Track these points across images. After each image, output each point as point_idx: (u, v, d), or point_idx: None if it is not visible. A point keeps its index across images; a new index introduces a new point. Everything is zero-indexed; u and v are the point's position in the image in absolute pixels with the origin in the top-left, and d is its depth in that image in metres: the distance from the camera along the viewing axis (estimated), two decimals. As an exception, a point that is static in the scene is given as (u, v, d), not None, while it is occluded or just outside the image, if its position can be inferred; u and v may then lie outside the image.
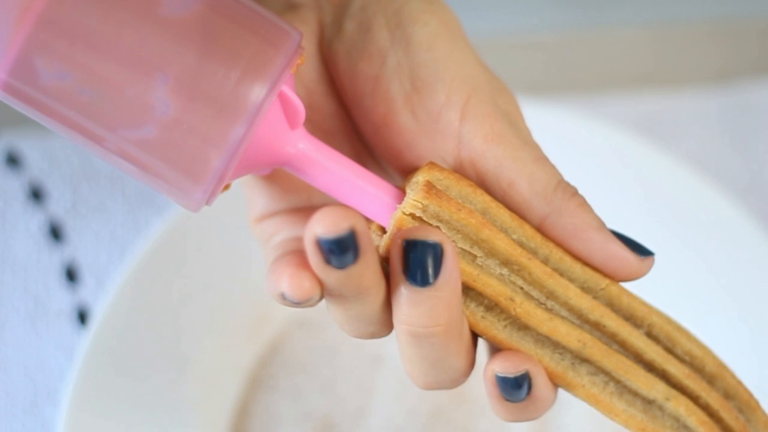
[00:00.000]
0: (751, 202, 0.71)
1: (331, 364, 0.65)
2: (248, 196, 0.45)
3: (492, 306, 0.41)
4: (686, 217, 0.67)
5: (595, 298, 0.42)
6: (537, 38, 0.79)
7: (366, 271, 0.38)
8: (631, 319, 0.42)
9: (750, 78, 0.77)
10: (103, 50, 0.37)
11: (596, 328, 0.42)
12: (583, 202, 0.42)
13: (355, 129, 0.45)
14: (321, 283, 0.39)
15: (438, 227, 0.40)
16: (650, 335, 0.43)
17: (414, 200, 0.40)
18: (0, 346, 0.66)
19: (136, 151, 0.38)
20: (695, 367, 0.43)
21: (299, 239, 0.42)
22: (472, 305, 0.41)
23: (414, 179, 0.41)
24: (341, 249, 0.37)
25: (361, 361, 0.65)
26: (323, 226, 0.37)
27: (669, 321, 0.43)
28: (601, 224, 0.42)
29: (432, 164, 0.41)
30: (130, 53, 0.37)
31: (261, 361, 0.65)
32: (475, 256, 0.40)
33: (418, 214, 0.40)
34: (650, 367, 0.42)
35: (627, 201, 0.67)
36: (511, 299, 0.40)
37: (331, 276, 0.38)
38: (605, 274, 0.42)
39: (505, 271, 0.41)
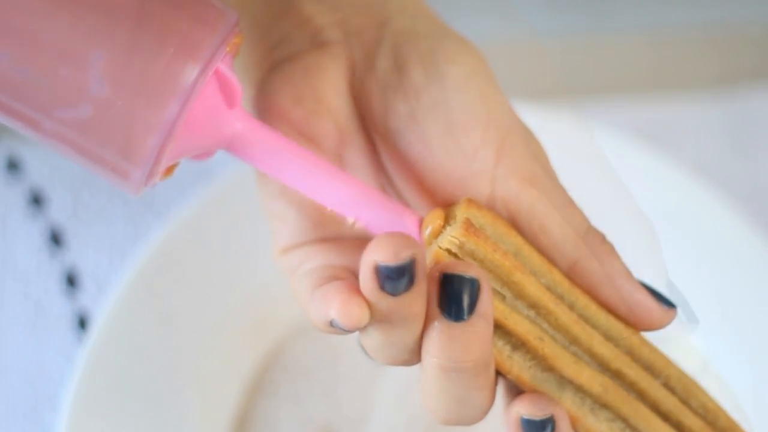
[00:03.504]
0: (753, 209, 0.71)
1: (332, 371, 0.65)
2: (274, 227, 0.44)
3: (519, 345, 0.41)
4: (687, 223, 0.67)
5: (617, 347, 0.43)
6: (538, 44, 0.79)
7: (418, 298, 0.38)
8: (650, 369, 0.43)
9: (751, 85, 0.77)
10: (39, 29, 0.37)
11: (617, 376, 0.42)
12: (612, 250, 0.42)
13: (382, 166, 0.45)
14: (371, 310, 0.38)
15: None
16: (667, 386, 0.43)
17: (452, 237, 0.40)
18: (0, 352, 0.66)
19: (72, 133, 0.38)
20: (708, 420, 0.44)
21: (332, 267, 0.42)
22: (500, 343, 0.41)
23: (452, 214, 0.42)
24: (398, 276, 0.37)
25: (361, 368, 0.65)
26: (384, 253, 0.37)
27: (685, 374, 0.44)
28: (629, 273, 0.42)
29: (470, 201, 0.41)
30: (65, 32, 0.37)
31: (261, 368, 0.65)
32: (504, 297, 0.41)
33: (453, 250, 0.40)
34: (666, 417, 0.43)
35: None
36: (541, 339, 0.41)
37: (382, 302, 0.38)
38: (628, 323, 0.43)
39: (531, 313, 0.41)
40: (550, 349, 0.41)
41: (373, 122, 0.44)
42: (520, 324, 0.40)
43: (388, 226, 0.41)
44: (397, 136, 0.43)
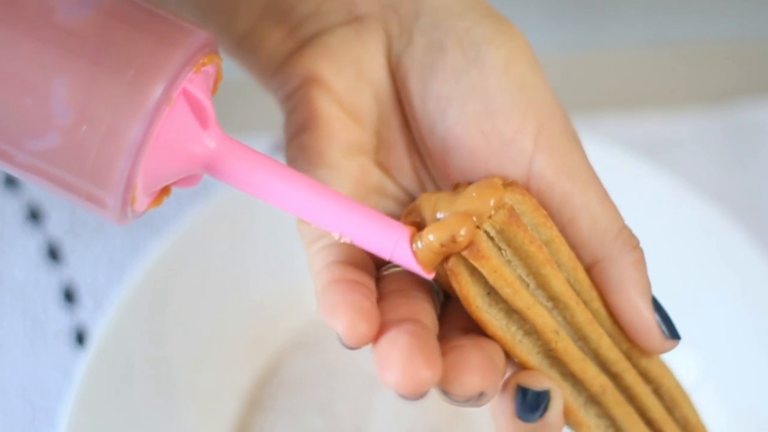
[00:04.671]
0: (751, 223, 0.71)
1: (329, 385, 0.65)
2: None
3: (530, 332, 0.41)
4: (685, 237, 0.67)
5: (620, 350, 0.43)
6: (535, 59, 0.79)
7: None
8: (644, 375, 0.44)
9: (749, 98, 0.77)
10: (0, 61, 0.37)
11: (614, 378, 0.43)
12: (639, 260, 0.42)
13: (416, 147, 0.45)
14: (376, 334, 0.39)
15: (503, 249, 0.40)
16: (657, 392, 0.45)
17: (494, 222, 0.40)
18: (-2, 367, 0.66)
19: (43, 163, 0.38)
20: (687, 430, 0.45)
21: (349, 247, 0.42)
22: (513, 328, 0.41)
23: (496, 195, 0.41)
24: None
25: (358, 382, 0.65)
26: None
27: (678, 386, 0.45)
28: (646, 290, 0.42)
29: (514, 185, 0.41)
30: (26, 62, 0.37)
31: (259, 383, 0.65)
32: (528, 285, 0.41)
33: (492, 234, 0.40)
34: (650, 423, 0.44)
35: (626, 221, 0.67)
36: (556, 332, 0.41)
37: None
38: (627, 337, 0.43)
39: (550, 304, 0.42)
40: (563, 343, 0.41)
41: (409, 101, 0.44)
42: (541, 316, 0.41)
43: (374, 241, 0.40)
44: (435, 118, 0.43)
